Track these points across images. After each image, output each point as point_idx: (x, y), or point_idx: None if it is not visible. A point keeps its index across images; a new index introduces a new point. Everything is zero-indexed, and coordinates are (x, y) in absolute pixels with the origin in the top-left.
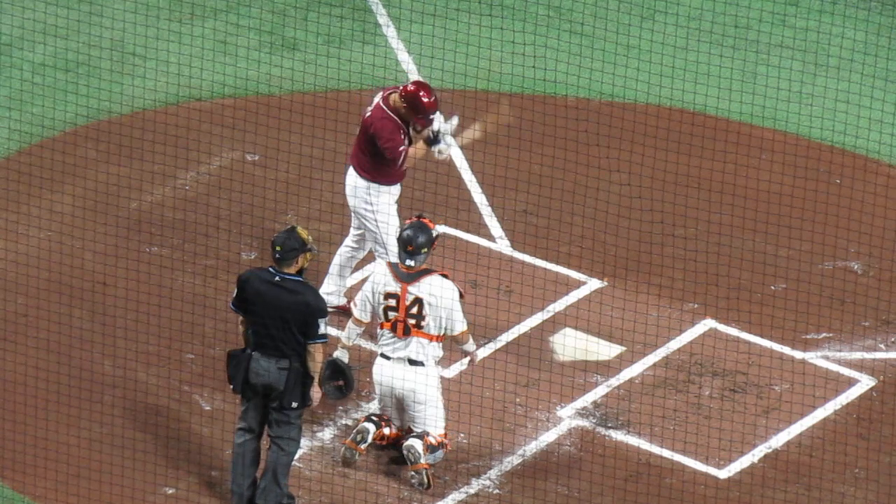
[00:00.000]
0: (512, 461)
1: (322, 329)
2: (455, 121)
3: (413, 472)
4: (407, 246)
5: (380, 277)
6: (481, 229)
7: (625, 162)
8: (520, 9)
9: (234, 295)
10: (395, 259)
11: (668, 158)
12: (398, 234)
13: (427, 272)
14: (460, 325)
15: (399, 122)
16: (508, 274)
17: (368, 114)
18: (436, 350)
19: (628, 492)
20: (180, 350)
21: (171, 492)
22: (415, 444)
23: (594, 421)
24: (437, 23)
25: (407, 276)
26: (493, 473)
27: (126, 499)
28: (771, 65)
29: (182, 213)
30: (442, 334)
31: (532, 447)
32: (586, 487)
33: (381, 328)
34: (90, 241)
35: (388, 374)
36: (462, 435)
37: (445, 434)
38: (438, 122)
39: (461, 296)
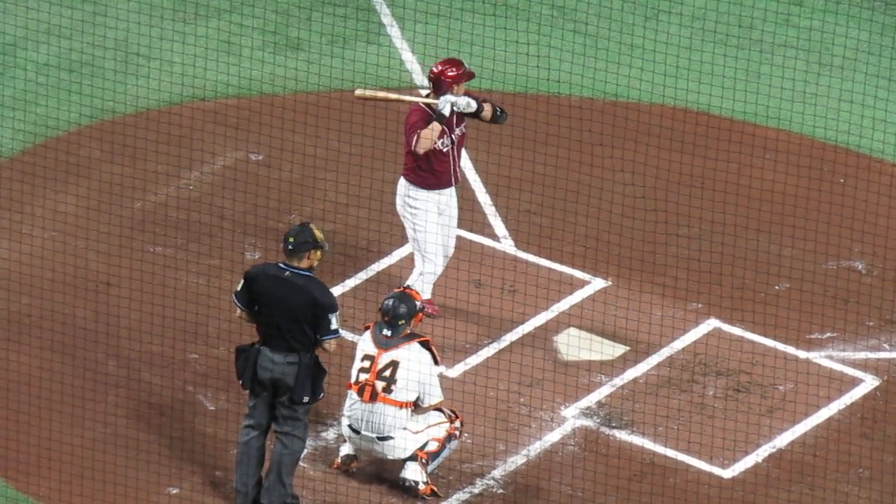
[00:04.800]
0: (516, 461)
1: (334, 324)
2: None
3: (421, 498)
4: (385, 316)
5: (365, 338)
6: (485, 229)
7: (629, 161)
8: (524, 8)
9: (240, 288)
10: (431, 267)
11: (672, 158)
12: (384, 302)
13: (407, 338)
14: (437, 397)
15: (429, 115)
16: (512, 273)
17: None
18: (403, 420)
19: (632, 491)
20: (184, 350)
21: (175, 492)
22: (409, 474)
23: (598, 421)
24: (441, 22)
25: (385, 343)
26: (496, 473)
27: (130, 499)
28: (775, 64)
29: (186, 213)
30: (412, 401)
31: (536, 447)
32: (590, 487)
33: (349, 388)
34: (94, 240)
35: (356, 442)
36: (466, 435)
37: (451, 419)
38: (447, 107)
39: (436, 362)
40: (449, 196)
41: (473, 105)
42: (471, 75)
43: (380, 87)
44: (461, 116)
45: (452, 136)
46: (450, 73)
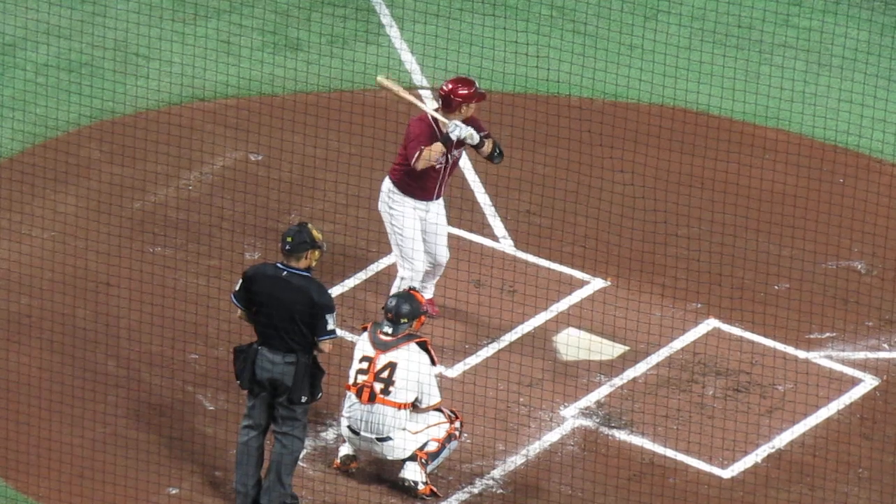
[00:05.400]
0: (515, 461)
1: (331, 325)
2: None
3: (420, 498)
4: (388, 313)
5: (364, 338)
6: (485, 229)
7: (628, 162)
8: (523, 8)
9: (238, 288)
10: (411, 270)
11: (672, 158)
12: (387, 301)
13: (405, 339)
14: (436, 398)
15: (434, 129)
16: (512, 274)
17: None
18: (402, 421)
19: (632, 491)
20: (184, 350)
21: (174, 492)
22: (408, 474)
23: (598, 420)
24: (441, 23)
25: (383, 345)
26: (496, 473)
27: (129, 499)
28: (774, 64)
29: (185, 214)
30: (410, 402)
31: (535, 447)
32: (590, 487)
33: (347, 389)
34: (94, 241)
35: (356, 443)
36: (465, 435)
37: (451, 419)
38: (457, 131)
39: (433, 363)
40: (426, 210)
41: (476, 138)
42: (482, 96)
43: (402, 83)
44: (462, 142)
45: (449, 155)
46: (461, 92)
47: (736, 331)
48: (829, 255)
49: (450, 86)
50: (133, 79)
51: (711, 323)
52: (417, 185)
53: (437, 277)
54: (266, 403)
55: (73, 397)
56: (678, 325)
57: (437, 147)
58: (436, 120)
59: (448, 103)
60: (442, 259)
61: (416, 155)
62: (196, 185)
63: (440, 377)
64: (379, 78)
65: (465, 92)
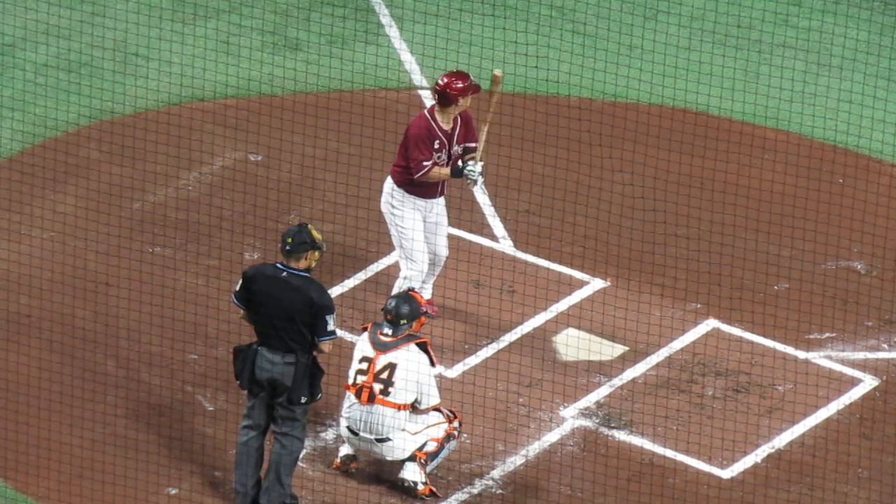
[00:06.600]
0: (515, 461)
1: (331, 325)
2: (480, 166)
3: (420, 499)
4: (388, 314)
5: (363, 339)
6: (484, 229)
7: (627, 162)
8: (522, 9)
9: (238, 288)
10: (415, 269)
11: (671, 158)
12: (387, 301)
13: (405, 340)
14: (435, 398)
15: (436, 131)
16: (511, 274)
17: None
18: (401, 422)
19: (631, 492)
20: (183, 350)
21: (174, 492)
22: (407, 474)
23: (597, 421)
24: (440, 23)
25: (383, 346)
26: (496, 473)
27: (129, 499)
28: (774, 65)
29: (185, 214)
30: (410, 403)
31: (535, 447)
32: (589, 487)
33: (346, 390)
34: (93, 241)
35: (355, 444)
36: (465, 435)
37: (449, 419)
38: (478, 181)
39: (433, 364)
40: (429, 209)
41: (477, 184)
42: (477, 89)
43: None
44: (461, 135)
45: (451, 152)
46: (456, 86)
47: (735, 331)
48: (829, 255)
49: (445, 80)
50: (132, 79)
51: (711, 323)
52: (420, 183)
53: (436, 277)
54: (265, 404)
55: (73, 397)
56: (678, 326)
57: (445, 172)
58: (434, 118)
59: (444, 98)
60: (441, 256)
61: (423, 169)
62: (195, 185)
63: (440, 377)
64: (497, 72)
65: (461, 85)
